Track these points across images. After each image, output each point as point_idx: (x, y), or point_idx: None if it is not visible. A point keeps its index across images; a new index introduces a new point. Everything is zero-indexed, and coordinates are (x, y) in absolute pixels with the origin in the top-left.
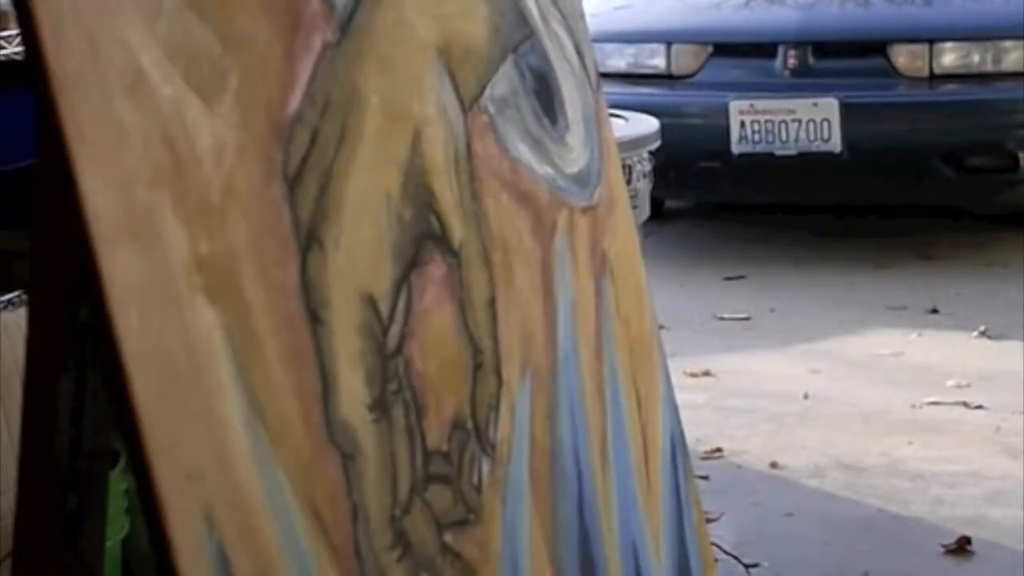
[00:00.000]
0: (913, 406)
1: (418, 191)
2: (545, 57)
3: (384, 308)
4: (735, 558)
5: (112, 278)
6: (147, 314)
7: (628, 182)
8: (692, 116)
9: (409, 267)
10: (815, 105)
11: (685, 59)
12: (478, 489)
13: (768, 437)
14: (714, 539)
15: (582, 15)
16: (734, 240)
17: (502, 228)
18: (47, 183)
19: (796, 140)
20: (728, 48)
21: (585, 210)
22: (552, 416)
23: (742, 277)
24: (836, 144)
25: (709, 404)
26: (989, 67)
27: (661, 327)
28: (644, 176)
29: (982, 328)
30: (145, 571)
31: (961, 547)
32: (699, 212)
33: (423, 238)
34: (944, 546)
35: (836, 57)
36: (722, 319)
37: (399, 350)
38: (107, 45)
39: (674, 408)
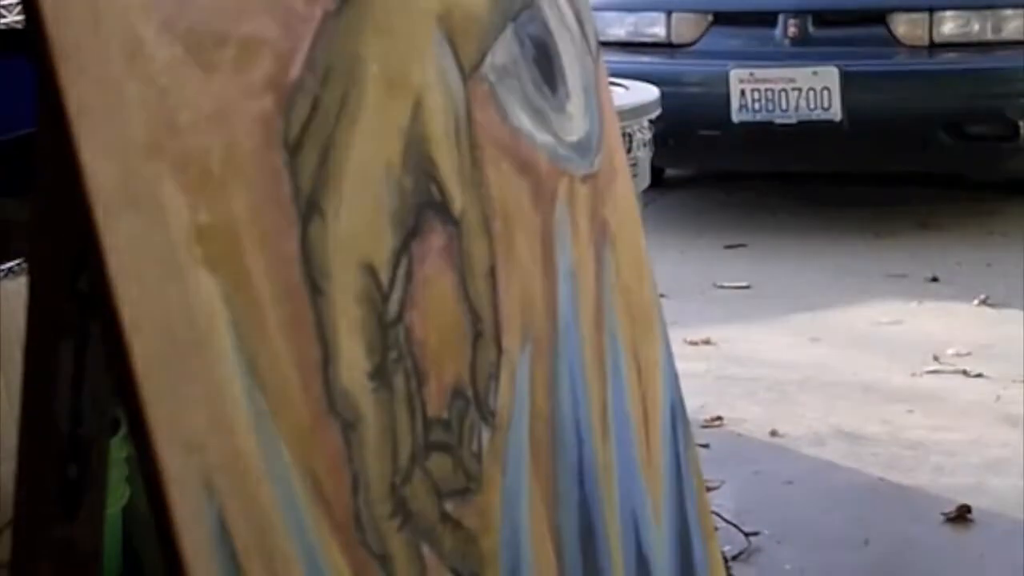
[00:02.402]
0: (913, 375)
1: (418, 160)
2: (545, 26)
3: (384, 277)
4: (735, 526)
5: (112, 247)
6: (147, 283)
7: (628, 151)
8: (692, 85)
9: (409, 236)
10: (815, 74)
11: (685, 28)
12: (478, 457)
13: (768, 405)
14: (714, 507)
15: None
16: (734, 209)
17: (502, 197)
18: (47, 152)
19: (796, 109)
20: (728, 17)
21: (585, 179)
22: (552, 385)
23: (742, 245)
24: (836, 113)
25: (709, 373)
26: (989, 35)
27: (661, 295)
28: (644, 145)
29: (982, 297)
30: (146, 539)
31: (961, 515)
32: (699, 181)
33: (423, 207)
34: (944, 514)
35: (836, 26)
36: (722, 288)
37: (399, 319)
38: (107, 13)
39: (674, 377)
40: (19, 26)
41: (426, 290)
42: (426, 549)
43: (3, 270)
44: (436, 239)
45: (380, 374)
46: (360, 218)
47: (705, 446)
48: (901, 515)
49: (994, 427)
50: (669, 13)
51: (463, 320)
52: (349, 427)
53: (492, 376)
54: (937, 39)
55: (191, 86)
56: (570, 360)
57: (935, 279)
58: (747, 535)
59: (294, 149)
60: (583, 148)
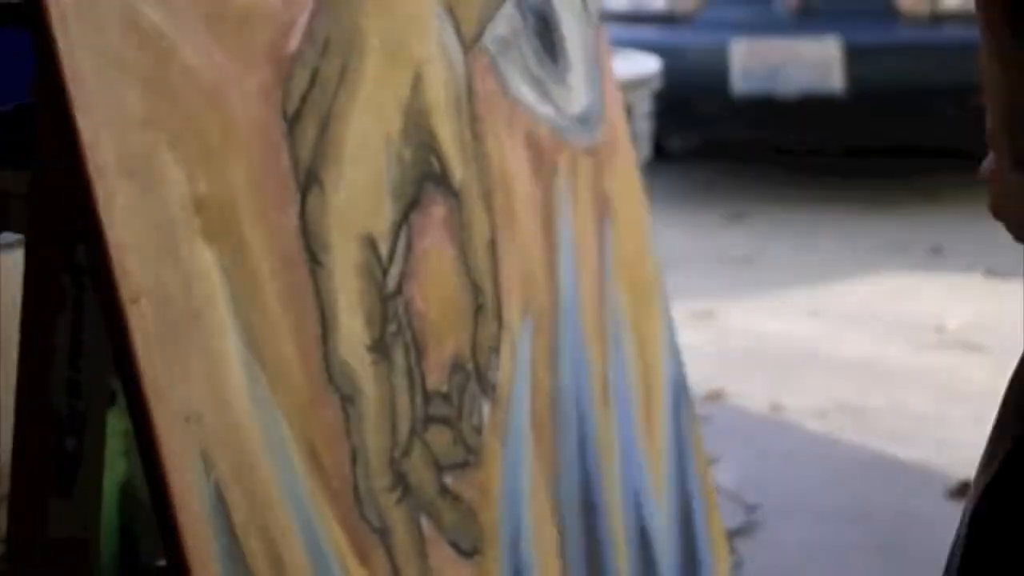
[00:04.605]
0: (916, 347)
1: (418, 132)
2: None
3: (384, 249)
4: (737, 500)
5: (110, 219)
6: (145, 255)
7: (629, 123)
8: (693, 56)
9: (409, 208)
10: (817, 45)
11: None
12: (478, 431)
13: (770, 379)
14: (715, 481)
15: None
16: (736, 181)
17: (503, 169)
18: (45, 123)
19: (797, 80)
20: None
21: (587, 151)
22: (553, 358)
23: (745, 217)
24: (837, 85)
25: (711, 345)
26: None
27: (662, 267)
28: (646, 116)
29: (985, 269)
30: (143, 512)
31: (963, 489)
32: (701, 153)
33: (423, 179)
34: (946, 488)
35: None
36: (724, 259)
37: (399, 291)
38: None
39: (676, 350)
40: None
41: (426, 262)
42: (425, 522)
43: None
44: (436, 211)
45: (379, 347)
46: (360, 190)
47: (706, 420)
48: (903, 489)
49: (997, 400)
50: None
51: (463, 293)
52: (348, 400)
53: (493, 349)
54: (939, 10)
55: (190, 57)
56: (571, 333)
57: (938, 251)
58: (748, 508)
59: (293, 121)
60: (584, 120)
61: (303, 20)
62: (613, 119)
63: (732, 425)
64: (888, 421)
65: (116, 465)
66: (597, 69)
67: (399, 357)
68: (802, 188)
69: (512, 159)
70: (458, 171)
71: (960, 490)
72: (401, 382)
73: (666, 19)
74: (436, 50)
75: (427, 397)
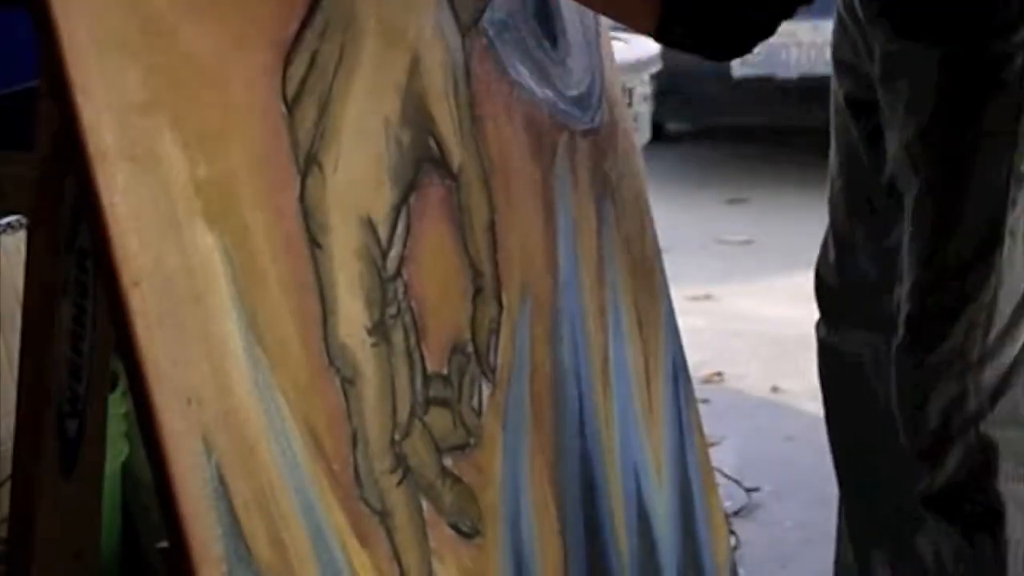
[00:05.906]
0: None
1: (417, 114)
2: None
3: (383, 231)
4: (736, 482)
5: (111, 201)
6: (146, 238)
7: (629, 105)
8: None
9: (408, 190)
10: (816, 28)
11: None
12: (478, 413)
13: (769, 361)
14: (715, 463)
15: None
16: (736, 164)
17: (502, 151)
18: (46, 105)
19: (797, 63)
20: None
21: (586, 133)
22: (553, 340)
23: (744, 200)
24: None
25: (710, 328)
26: None
27: (662, 250)
28: (645, 99)
29: None
30: (144, 495)
31: None
32: (701, 136)
33: (422, 161)
34: None
35: None
36: (723, 242)
37: (398, 273)
38: None
39: (675, 332)
40: None
41: (425, 245)
42: (426, 504)
43: (2, 225)
44: (435, 194)
45: (379, 329)
46: (359, 172)
47: (705, 402)
48: None
49: None
50: None
51: (462, 275)
52: (348, 382)
53: (492, 331)
54: None
55: (191, 40)
56: (571, 315)
57: None
58: (748, 491)
59: (292, 103)
60: (584, 102)
61: (302, 3)
62: (612, 101)
63: (731, 408)
64: None
65: (117, 447)
66: (597, 51)
67: (399, 339)
68: (801, 171)
69: (511, 141)
70: (457, 153)
71: None
72: (401, 364)
73: None
74: (434, 32)
75: (427, 379)
